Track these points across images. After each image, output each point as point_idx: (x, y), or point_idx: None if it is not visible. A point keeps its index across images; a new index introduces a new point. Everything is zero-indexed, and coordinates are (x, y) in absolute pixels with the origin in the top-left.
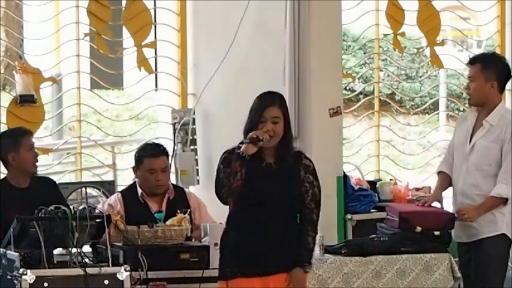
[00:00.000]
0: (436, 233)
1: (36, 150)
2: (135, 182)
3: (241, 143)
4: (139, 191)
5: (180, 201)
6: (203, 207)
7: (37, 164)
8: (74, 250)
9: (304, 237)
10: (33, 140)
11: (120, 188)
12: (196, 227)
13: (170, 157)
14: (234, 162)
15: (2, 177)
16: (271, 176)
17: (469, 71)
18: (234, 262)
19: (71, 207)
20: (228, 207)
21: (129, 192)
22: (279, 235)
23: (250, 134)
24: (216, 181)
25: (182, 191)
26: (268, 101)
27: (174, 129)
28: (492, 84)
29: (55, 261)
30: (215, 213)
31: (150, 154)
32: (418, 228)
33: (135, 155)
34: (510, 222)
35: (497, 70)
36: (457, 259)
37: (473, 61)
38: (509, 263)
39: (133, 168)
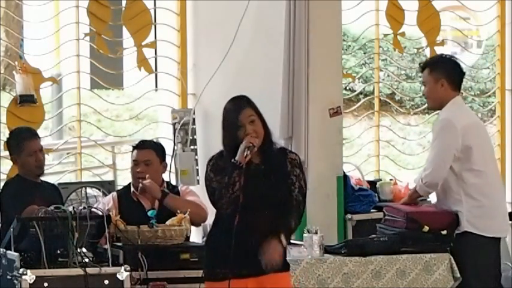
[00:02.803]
0: (443, 232)
1: (40, 153)
2: (130, 182)
3: (221, 152)
4: (132, 189)
5: None
6: (192, 193)
7: (42, 166)
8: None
9: (287, 217)
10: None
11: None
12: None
13: (164, 156)
14: (230, 173)
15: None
16: (260, 177)
17: (422, 77)
18: (225, 263)
19: (71, 207)
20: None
21: (124, 192)
22: (267, 236)
23: (243, 143)
24: (211, 191)
25: (176, 189)
26: (238, 105)
27: (174, 129)
28: (442, 83)
29: (58, 260)
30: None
31: (136, 146)
32: (426, 228)
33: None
34: (473, 219)
35: (443, 68)
36: None
37: (423, 67)
38: (508, 263)
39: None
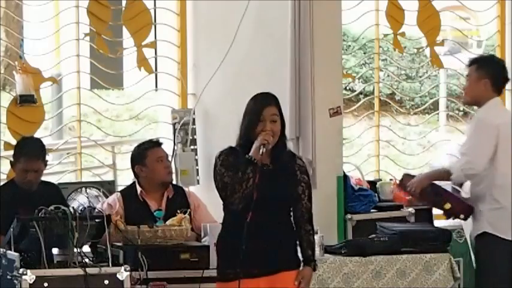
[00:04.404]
0: (461, 216)
1: (35, 173)
2: (134, 182)
3: (239, 145)
4: (139, 189)
5: (179, 200)
6: (203, 207)
7: (31, 184)
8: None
9: (307, 236)
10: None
11: (120, 188)
12: (196, 228)
13: (170, 157)
14: (244, 168)
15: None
16: (269, 177)
17: (468, 71)
18: (236, 264)
19: (71, 207)
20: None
21: (128, 192)
22: (278, 234)
23: (259, 139)
24: (222, 186)
25: (182, 190)
26: (265, 100)
27: (174, 129)
28: (485, 83)
29: (55, 261)
30: (215, 213)
31: (152, 145)
32: (448, 205)
33: (133, 155)
34: (493, 219)
35: (490, 69)
36: (457, 259)
37: (470, 62)
38: None
39: (136, 168)
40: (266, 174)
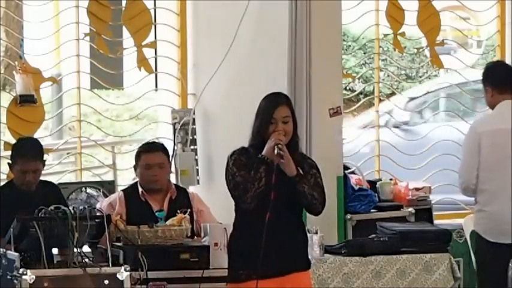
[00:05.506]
0: None
1: (33, 173)
2: (136, 182)
3: (251, 146)
4: (140, 189)
5: (182, 201)
6: (206, 211)
7: (29, 186)
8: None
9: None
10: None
11: (119, 188)
12: (197, 231)
13: (170, 157)
14: (256, 168)
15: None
16: (280, 177)
17: None
18: (249, 264)
19: (71, 207)
20: (233, 208)
21: (131, 191)
22: (290, 234)
23: (272, 140)
24: (234, 185)
25: (185, 191)
26: (277, 101)
27: (174, 129)
28: (488, 91)
29: (55, 261)
30: (216, 213)
31: (146, 150)
32: None
33: (135, 154)
34: (477, 220)
35: (487, 76)
36: (457, 259)
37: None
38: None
39: (134, 166)
40: (279, 174)
